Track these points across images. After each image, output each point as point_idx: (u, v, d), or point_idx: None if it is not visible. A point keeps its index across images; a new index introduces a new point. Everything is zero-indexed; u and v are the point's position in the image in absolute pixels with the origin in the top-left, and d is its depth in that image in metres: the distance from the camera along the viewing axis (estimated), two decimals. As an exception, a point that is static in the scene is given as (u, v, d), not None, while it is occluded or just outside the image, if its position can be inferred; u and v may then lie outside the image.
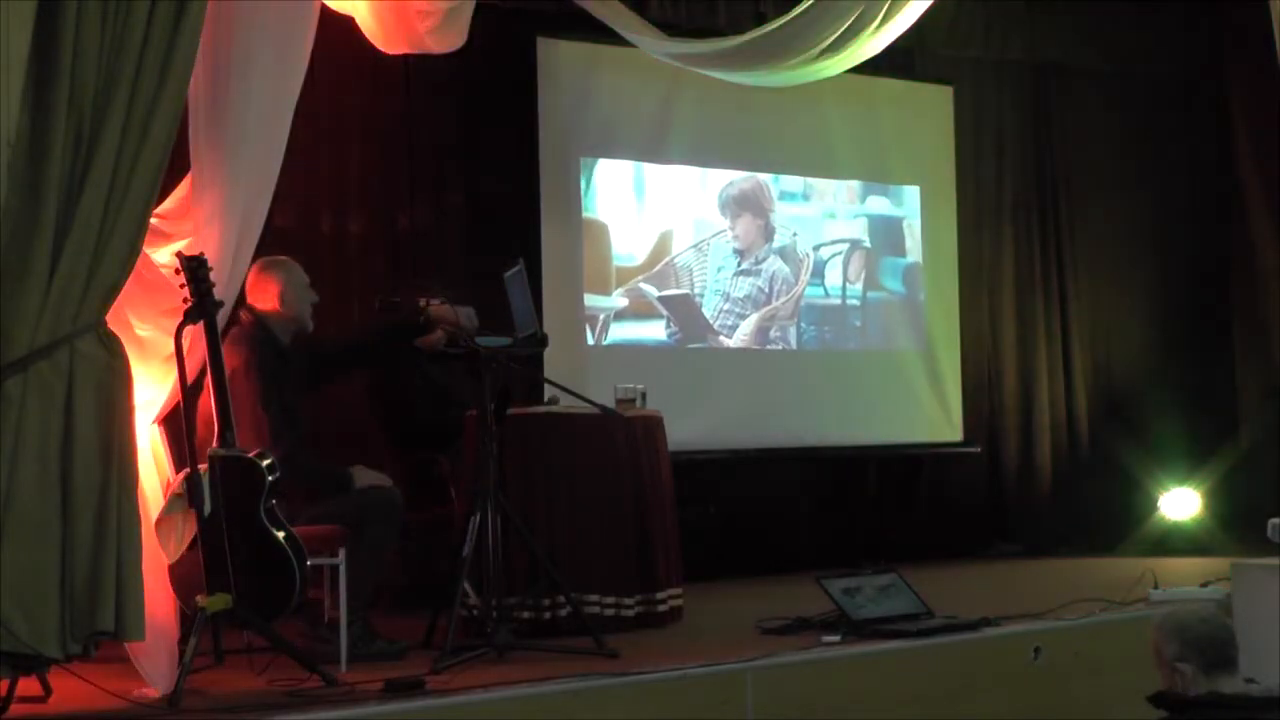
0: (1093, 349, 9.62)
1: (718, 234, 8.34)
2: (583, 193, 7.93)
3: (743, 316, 8.38)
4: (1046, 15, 9.20)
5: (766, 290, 8.47)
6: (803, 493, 8.74)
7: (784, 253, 8.54)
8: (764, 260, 8.49)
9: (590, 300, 7.95)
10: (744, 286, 8.41)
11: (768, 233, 8.51)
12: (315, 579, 5.15)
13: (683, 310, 8.23)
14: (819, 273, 8.69)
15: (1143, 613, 6.11)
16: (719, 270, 8.32)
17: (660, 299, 8.15)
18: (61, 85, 4.24)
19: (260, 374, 5.28)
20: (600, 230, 8.01)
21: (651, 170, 8.21)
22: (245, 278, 5.21)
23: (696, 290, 8.27)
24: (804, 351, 8.62)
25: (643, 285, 8.10)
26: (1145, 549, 8.80)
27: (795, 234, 8.59)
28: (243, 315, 5.34)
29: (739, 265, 8.40)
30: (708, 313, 8.29)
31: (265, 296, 5.46)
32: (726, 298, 8.34)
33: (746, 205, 8.46)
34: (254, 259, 5.21)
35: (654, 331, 8.13)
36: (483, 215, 7.73)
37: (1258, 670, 3.72)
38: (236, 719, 4.37)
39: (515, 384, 6.11)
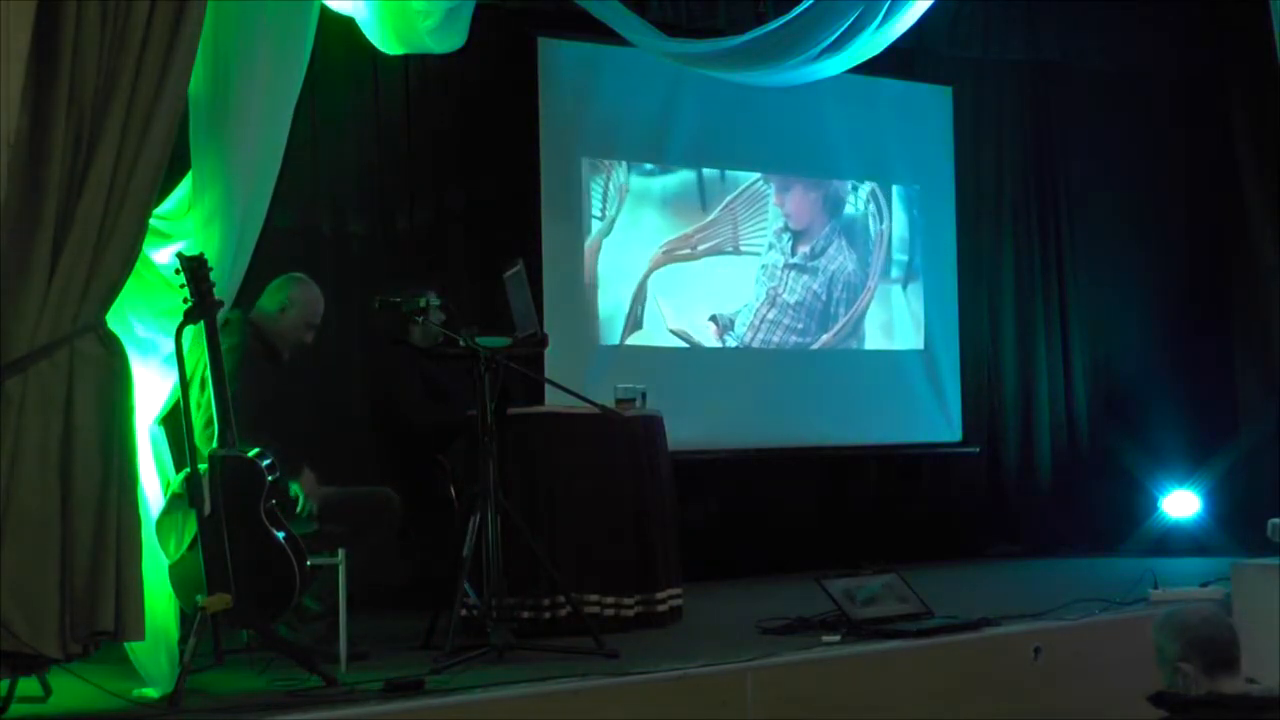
0: (1093, 349, 9.61)
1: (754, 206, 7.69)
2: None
3: (794, 330, 8.00)
4: (1046, 15, 9.19)
5: (824, 296, 7.99)
6: (803, 493, 8.73)
7: (851, 230, 7.90)
8: (826, 249, 7.94)
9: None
10: (797, 290, 7.87)
11: (831, 208, 7.85)
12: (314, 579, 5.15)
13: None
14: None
15: (1143, 613, 6.11)
16: (763, 268, 7.84)
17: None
18: (61, 85, 4.24)
19: (250, 364, 5.29)
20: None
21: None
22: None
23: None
24: (804, 351, 8.62)
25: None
26: (1145, 549, 8.80)
27: (871, 194, 7.65)
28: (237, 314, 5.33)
29: (792, 254, 7.85)
30: (741, 329, 8.05)
31: (272, 303, 5.49)
32: (773, 302, 7.93)
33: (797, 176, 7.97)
34: (254, 259, 5.21)
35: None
36: (483, 215, 7.73)
37: (1258, 670, 3.71)
38: (236, 719, 4.37)
39: (514, 384, 6.11)
